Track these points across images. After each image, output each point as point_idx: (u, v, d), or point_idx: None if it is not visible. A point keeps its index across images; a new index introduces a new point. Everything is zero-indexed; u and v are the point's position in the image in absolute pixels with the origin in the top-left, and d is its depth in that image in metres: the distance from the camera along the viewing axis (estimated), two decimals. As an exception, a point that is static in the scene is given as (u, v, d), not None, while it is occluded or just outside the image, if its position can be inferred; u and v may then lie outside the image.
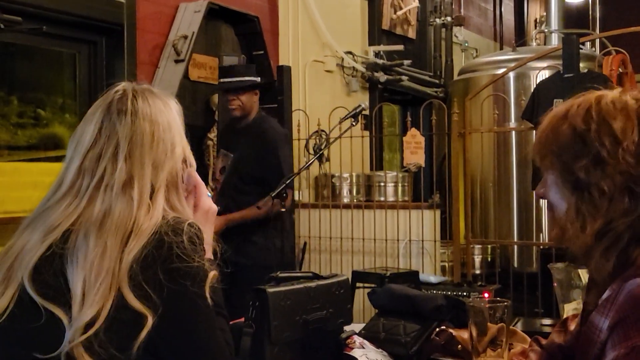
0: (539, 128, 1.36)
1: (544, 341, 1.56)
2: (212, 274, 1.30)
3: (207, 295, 1.28)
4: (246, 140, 3.85)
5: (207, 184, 3.61)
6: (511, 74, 5.75)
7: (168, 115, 1.39)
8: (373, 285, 4.18)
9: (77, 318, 1.19)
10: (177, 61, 4.50)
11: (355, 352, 1.69)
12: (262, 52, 5.01)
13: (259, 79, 4.12)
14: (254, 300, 1.60)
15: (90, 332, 1.18)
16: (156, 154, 1.34)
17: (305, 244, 5.19)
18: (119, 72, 4.28)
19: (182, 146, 1.39)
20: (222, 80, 4.02)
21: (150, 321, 1.20)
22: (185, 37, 4.50)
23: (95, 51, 4.30)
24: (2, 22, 3.63)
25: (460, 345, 1.76)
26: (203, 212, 1.42)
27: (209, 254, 1.38)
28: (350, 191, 5.46)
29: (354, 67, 6.11)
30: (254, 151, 3.81)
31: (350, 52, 6.04)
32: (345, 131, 3.54)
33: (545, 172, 1.35)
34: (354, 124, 3.45)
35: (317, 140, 5.15)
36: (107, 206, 1.28)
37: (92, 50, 4.30)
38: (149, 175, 1.33)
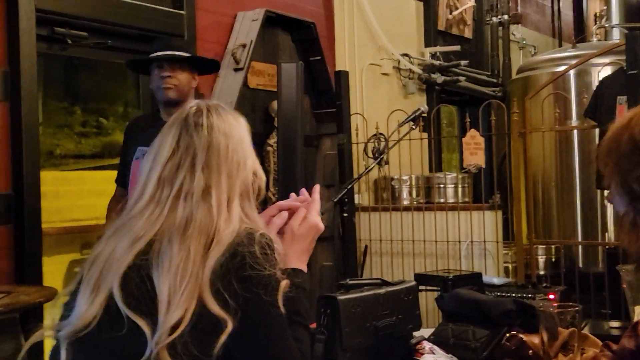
0: (605, 136, 1.36)
1: (614, 346, 1.55)
2: (284, 282, 1.33)
3: (280, 303, 1.31)
4: None
5: (267, 189, 3.61)
6: (572, 71, 5.65)
7: (239, 129, 1.45)
8: (436, 289, 4.18)
9: (163, 321, 1.25)
10: (236, 69, 4.57)
11: (425, 358, 1.70)
12: (319, 57, 5.05)
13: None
14: (325, 307, 1.63)
15: (176, 334, 1.23)
16: (230, 165, 1.40)
17: (366, 247, 5.21)
18: (181, 82, 4.37)
19: (252, 159, 1.45)
20: (154, 55, 3.13)
21: (230, 326, 1.25)
22: (244, 46, 4.57)
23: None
24: (70, 38, 3.76)
25: (531, 351, 1.75)
26: (308, 226, 1.49)
27: (304, 266, 1.43)
28: (410, 193, 5.46)
29: (410, 69, 6.10)
30: None
31: (406, 55, 6.04)
32: (405, 135, 3.53)
33: (609, 179, 1.35)
34: (413, 127, 3.45)
35: (376, 144, 5.16)
36: (189, 213, 1.34)
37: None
38: (225, 186, 1.38)
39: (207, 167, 1.38)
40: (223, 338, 1.24)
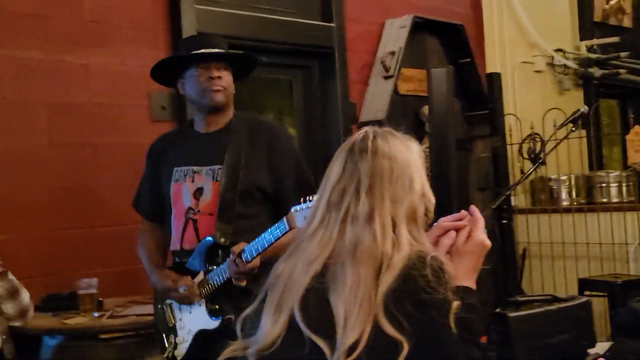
0: None
1: None
2: (456, 304, 1.34)
3: (452, 324, 1.32)
4: (237, 144, 2.54)
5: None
6: None
7: (407, 154, 1.47)
8: (602, 294, 3.99)
9: (341, 341, 1.30)
10: (386, 77, 4.60)
11: (603, 376, 1.64)
12: (468, 59, 4.98)
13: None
14: (496, 324, 1.62)
15: (354, 355, 1.27)
16: (395, 189, 1.42)
17: (524, 250, 5.07)
18: (332, 93, 4.47)
19: (421, 183, 1.46)
20: (201, 51, 2.55)
21: (406, 348, 1.27)
22: (393, 53, 4.59)
23: (310, 75, 4.53)
24: (228, 58, 3.93)
25: None
26: (475, 244, 1.49)
27: (472, 284, 1.44)
28: (570, 194, 5.24)
29: (565, 65, 5.87)
30: (264, 158, 2.54)
31: (560, 50, 5.81)
32: (564, 138, 3.39)
33: None
34: (573, 129, 3.32)
35: (532, 145, 5.00)
36: (356, 237, 1.38)
37: (306, 75, 4.54)
38: (389, 209, 1.41)
39: (371, 192, 1.41)
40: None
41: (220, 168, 2.48)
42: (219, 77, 2.52)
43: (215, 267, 2.45)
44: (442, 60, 4.95)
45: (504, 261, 4.69)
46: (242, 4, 4.05)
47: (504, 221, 3.28)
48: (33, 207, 3.29)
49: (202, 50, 2.54)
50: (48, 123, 3.37)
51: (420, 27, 4.79)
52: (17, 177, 3.27)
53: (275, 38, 4.15)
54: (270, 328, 1.38)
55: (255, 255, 2.28)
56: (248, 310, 1.47)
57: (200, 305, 2.49)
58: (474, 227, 1.50)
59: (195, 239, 2.50)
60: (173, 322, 2.58)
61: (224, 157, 2.49)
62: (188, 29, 3.72)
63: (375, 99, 4.57)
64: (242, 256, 2.29)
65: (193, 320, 2.50)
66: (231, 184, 2.46)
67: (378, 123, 4.70)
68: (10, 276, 2.77)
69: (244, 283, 2.35)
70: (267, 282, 1.46)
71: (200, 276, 2.48)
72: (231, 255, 2.34)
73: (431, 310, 1.30)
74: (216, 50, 2.55)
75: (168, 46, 3.71)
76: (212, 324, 2.44)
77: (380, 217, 1.40)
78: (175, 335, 2.57)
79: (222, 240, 2.42)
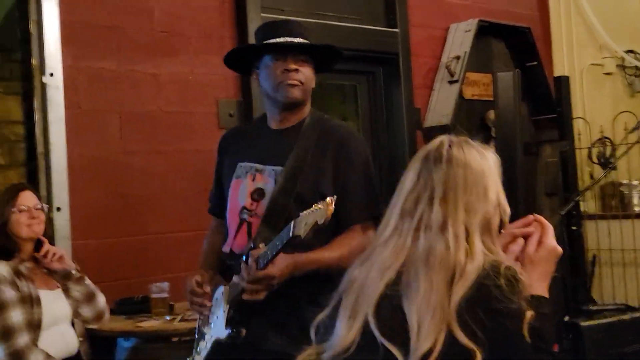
0: None
1: None
2: (530, 313, 1.33)
3: (526, 334, 1.32)
4: (303, 146, 2.30)
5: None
6: None
7: (482, 163, 1.46)
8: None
9: (414, 349, 1.31)
10: (451, 82, 4.58)
11: (680, 388, 1.60)
12: (535, 62, 4.91)
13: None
14: (568, 332, 1.60)
15: None
16: (469, 198, 1.42)
17: (594, 257, 4.95)
18: (397, 98, 4.47)
19: (496, 192, 1.45)
20: (276, 41, 2.27)
21: (479, 357, 1.27)
22: (458, 58, 4.57)
23: (374, 80, 4.54)
24: (293, 65, 3.98)
25: None
26: (547, 251, 1.47)
27: (545, 292, 1.42)
28: (642, 199, 5.10)
29: (636, 67, 5.71)
30: (329, 163, 2.28)
31: (631, 51, 5.66)
32: (636, 142, 3.31)
33: None
34: (647, 133, 3.23)
35: (601, 149, 4.89)
36: (429, 245, 1.40)
37: (370, 80, 4.55)
38: (462, 219, 1.41)
39: (444, 201, 1.42)
40: None
41: (282, 170, 2.25)
42: (296, 70, 2.24)
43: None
44: (508, 63, 4.89)
45: (574, 268, 4.59)
46: (308, 11, 4.09)
47: (573, 227, 3.22)
48: (107, 213, 3.40)
49: (278, 40, 2.27)
50: (120, 131, 3.48)
51: (486, 30, 4.75)
52: (91, 183, 3.38)
53: (340, 44, 4.14)
54: (345, 333, 1.40)
55: (266, 263, 1.99)
56: (321, 316, 1.49)
57: (223, 311, 2.24)
58: (544, 234, 1.49)
59: (248, 242, 2.25)
60: (207, 327, 2.39)
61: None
62: (254, 36, 3.77)
63: (440, 104, 4.55)
64: (258, 261, 2.02)
65: (214, 326, 2.29)
66: (287, 187, 2.22)
67: (443, 128, 4.71)
68: (87, 281, 2.87)
69: (257, 296, 2.05)
70: (340, 287, 1.48)
71: (237, 278, 2.20)
72: (247, 258, 2.07)
73: (505, 319, 1.30)
74: (294, 39, 2.27)
75: (235, 56, 3.78)
76: (223, 333, 2.19)
77: (454, 226, 1.41)
78: (203, 341, 2.38)
79: (261, 246, 2.09)
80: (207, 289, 2.31)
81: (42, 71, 3.26)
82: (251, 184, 2.29)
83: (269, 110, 2.39)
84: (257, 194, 2.26)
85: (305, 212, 1.84)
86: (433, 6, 4.71)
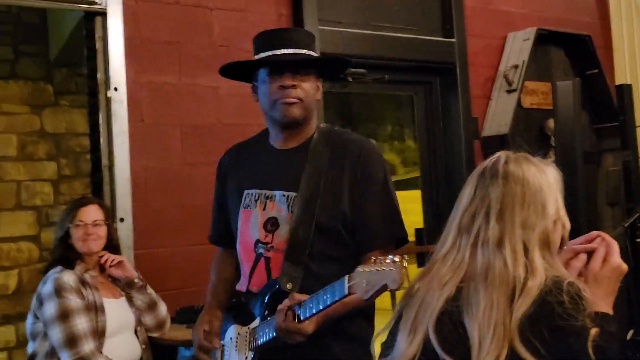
0: None
1: None
2: (594, 331, 1.32)
3: (590, 352, 1.30)
4: (316, 168, 2.06)
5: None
6: None
7: (541, 178, 1.46)
8: None
9: None
10: (509, 91, 4.54)
11: None
12: (596, 70, 4.82)
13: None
14: (634, 351, 1.57)
15: None
16: (526, 214, 1.42)
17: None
18: (454, 108, 4.45)
19: (555, 208, 1.45)
20: (268, 53, 2.06)
21: None
22: (516, 67, 4.52)
23: (431, 90, 4.53)
24: (351, 76, 4.01)
25: None
26: (611, 268, 1.46)
27: (609, 309, 1.41)
28: None
29: (702, 73, 5.56)
30: (346, 184, 2.04)
31: (696, 57, 5.51)
32: None
33: None
34: None
35: (667, 158, 4.76)
36: (487, 261, 1.40)
37: (427, 90, 4.54)
38: (519, 235, 1.41)
39: (501, 217, 1.43)
40: None
41: (295, 196, 2.02)
42: (294, 86, 2.00)
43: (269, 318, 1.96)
44: (568, 72, 4.82)
45: (638, 282, 4.48)
46: (364, 23, 4.11)
47: (638, 240, 3.13)
48: (169, 223, 3.48)
49: (273, 52, 2.02)
50: (181, 143, 3.56)
51: (545, 39, 4.69)
52: (154, 195, 3.46)
53: (397, 55, 4.19)
54: (406, 348, 1.42)
55: (309, 316, 1.78)
56: (384, 329, 1.51)
57: (245, 358, 2.02)
58: (610, 252, 1.47)
59: (266, 280, 2.03)
60: None
61: (300, 182, 2.02)
62: (311, 49, 3.81)
63: (498, 113, 4.51)
64: (298, 310, 1.79)
65: None
66: (306, 216, 1.97)
67: (501, 138, 4.65)
68: (149, 290, 2.94)
69: (294, 340, 1.84)
70: (400, 302, 1.50)
71: (256, 323, 2.03)
72: (286, 301, 1.84)
73: (569, 337, 1.30)
74: (292, 51, 2.02)
75: (292, 67, 3.83)
76: None
77: (511, 242, 1.41)
78: None
79: (289, 286, 1.93)
80: (217, 343, 2.13)
81: (107, 86, 3.36)
82: (262, 214, 2.07)
83: (271, 129, 2.16)
84: (271, 224, 2.05)
85: (363, 269, 1.59)
86: (490, 15, 4.68)
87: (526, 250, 1.40)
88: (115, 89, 3.36)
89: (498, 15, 4.71)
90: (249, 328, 2.04)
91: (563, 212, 1.47)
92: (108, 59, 3.35)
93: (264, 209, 2.08)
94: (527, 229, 1.42)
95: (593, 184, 4.85)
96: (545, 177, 1.47)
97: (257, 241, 2.06)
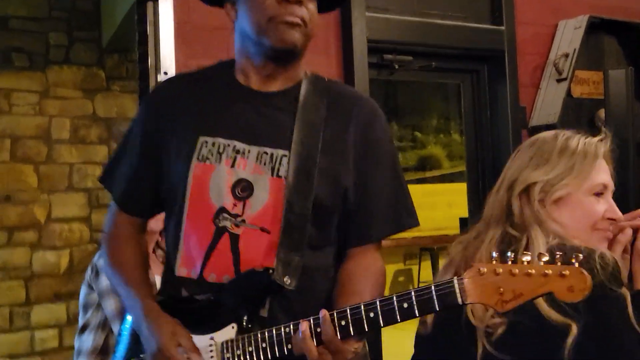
0: None
1: None
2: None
3: (632, 323, 1.33)
4: (312, 120, 1.58)
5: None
6: None
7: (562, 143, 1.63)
8: None
9: None
10: (558, 80, 4.47)
11: None
12: (651, 59, 4.72)
13: None
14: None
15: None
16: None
17: None
18: (502, 97, 4.41)
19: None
20: None
21: (574, 331, 1.34)
22: (567, 55, 4.45)
23: (478, 79, 4.50)
24: (397, 63, 4.01)
25: None
26: None
27: None
28: None
29: None
30: (351, 149, 1.59)
31: None
32: None
33: None
34: None
35: None
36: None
37: (474, 79, 4.50)
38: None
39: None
40: (569, 342, 1.32)
41: (285, 155, 1.51)
42: (299, 3, 1.54)
43: (259, 327, 1.40)
44: (621, 61, 4.72)
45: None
46: (412, 10, 4.10)
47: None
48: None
49: None
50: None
51: (597, 27, 4.60)
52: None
53: (444, 43, 4.16)
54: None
55: (362, 332, 1.32)
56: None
57: None
58: None
59: (231, 266, 1.48)
60: None
61: (291, 137, 1.52)
62: (359, 36, 3.82)
63: (547, 102, 4.45)
64: (338, 324, 1.32)
65: None
66: (302, 185, 1.47)
67: (550, 127, 4.61)
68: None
69: None
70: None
71: (230, 333, 1.44)
72: (319, 321, 1.33)
73: (604, 306, 1.32)
74: None
75: (339, 54, 3.84)
76: None
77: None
78: None
79: (288, 281, 1.43)
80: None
81: (157, 70, 3.43)
82: (230, 173, 1.52)
83: (248, 60, 1.64)
84: (241, 189, 1.52)
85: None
86: (541, 3, 4.61)
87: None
88: (165, 73, 3.42)
89: (549, 2, 4.64)
90: (212, 340, 1.44)
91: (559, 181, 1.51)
92: (159, 44, 3.42)
93: (232, 165, 1.53)
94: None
95: (644, 176, 4.76)
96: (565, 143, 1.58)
97: (222, 210, 1.50)
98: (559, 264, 1.17)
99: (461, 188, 4.82)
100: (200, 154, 1.54)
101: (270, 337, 1.37)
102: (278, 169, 1.51)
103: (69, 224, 5.30)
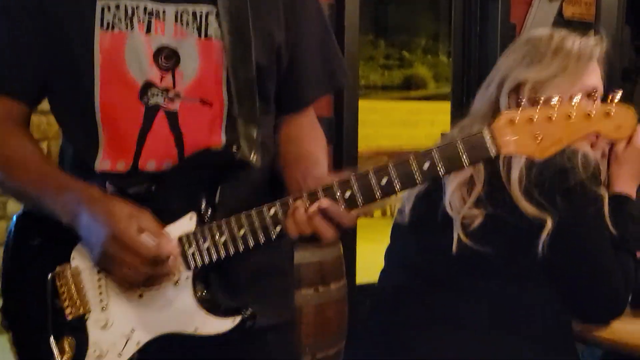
0: None
1: None
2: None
3: (602, 222, 1.38)
4: None
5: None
6: None
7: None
8: None
9: None
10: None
11: None
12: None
13: None
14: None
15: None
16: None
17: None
18: (493, 13, 4.34)
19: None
20: None
21: (549, 225, 1.37)
22: (563, -27, 4.38)
23: (470, -6, 4.42)
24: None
25: None
26: (635, 150, 1.52)
27: (632, 192, 1.49)
28: None
29: None
30: (280, 8, 1.35)
31: None
32: None
33: None
34: None
35: None
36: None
37: (467, -6, 4.42)
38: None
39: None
40: (543, 236, 1.35)
41: (210, 13, 1.28)
42: None
43: (222, 214, 1.21)
44: (615, -17, 4.66)
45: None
46: None
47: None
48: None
49: None
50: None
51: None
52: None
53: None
54: None
55: (371, 201, 1.16)
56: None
57: (176, 285, 1.21)
58: (635, 134, 1.47)
59: (174, 149, 1.27)
60: (82, 309, 1.23)
61: None
62: None
63: (537, 21, 4.40)
64: (342, 195, 1.17)
65: (150, 312, 1.22)
66: (240, 47, 1.26)
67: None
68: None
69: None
70: None
71: (188, 225, 1.22)
72: (320, 196, 1.16)
73: (581, 203, 1.33)
74: None
75: None
76: (218, 324, 1.20)
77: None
78: (81, 338, 1.23)
79: (254, 157, 1.26)
80: (173, 248, 1.19)
81: None
82: (147, 40, 1.27)
83: None
84: (165, 58, 1.27)
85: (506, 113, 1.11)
86: None
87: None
88: None
89: None
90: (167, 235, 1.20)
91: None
92: None
93: (148, 30, 1.27)
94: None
95: (629, 102, 4.77)
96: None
97: (148, 85, 1.26)
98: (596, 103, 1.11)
99: (445, 107, 4.82)
100: (103, 20, 1.25)
101: (251, 222, 1.17)
102: (206, 29, 1.27)
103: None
